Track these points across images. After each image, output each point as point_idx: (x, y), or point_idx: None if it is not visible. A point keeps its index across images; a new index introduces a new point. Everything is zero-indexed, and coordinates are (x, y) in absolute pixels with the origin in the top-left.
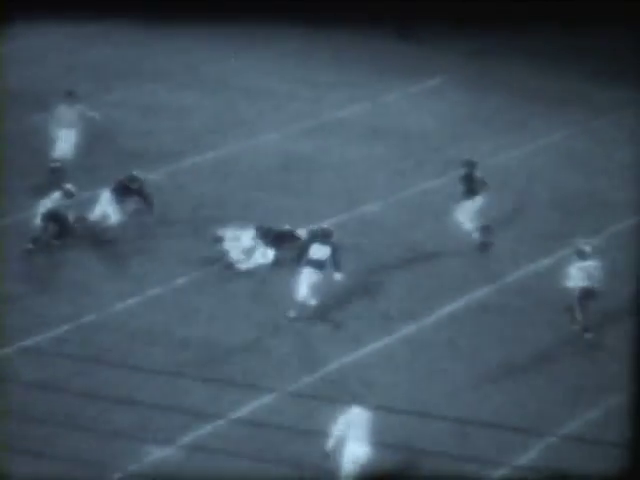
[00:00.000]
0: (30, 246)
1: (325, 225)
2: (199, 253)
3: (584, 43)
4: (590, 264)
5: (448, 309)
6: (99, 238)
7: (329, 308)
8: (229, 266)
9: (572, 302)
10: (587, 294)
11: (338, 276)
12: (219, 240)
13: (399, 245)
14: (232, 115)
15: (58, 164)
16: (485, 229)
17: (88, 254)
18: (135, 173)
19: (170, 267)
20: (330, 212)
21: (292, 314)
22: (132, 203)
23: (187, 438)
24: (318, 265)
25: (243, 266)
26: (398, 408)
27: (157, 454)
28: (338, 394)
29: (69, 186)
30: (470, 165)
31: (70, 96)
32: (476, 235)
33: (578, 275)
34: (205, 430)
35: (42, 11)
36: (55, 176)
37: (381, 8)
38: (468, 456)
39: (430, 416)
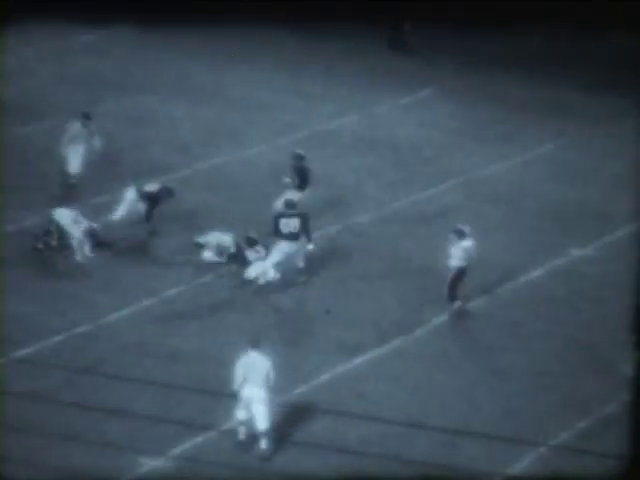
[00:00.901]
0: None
1: (289, 197)
2: (191, 264)
3: (574, 54)
4: (468, 243)
5: (439, 320)
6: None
7: (320, 319)
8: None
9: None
10: (463, 272)
11: (310, 246)
12: (200, 246)
13: (390, 256)
14: (223, 126)
15: (74, 180)
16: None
17: (80, 265)
18: (171, 186)
19: (162, 278)
20: (320, 223)
21: (261, 281)
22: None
23: (179, 449)
24: (292, 237)
25: (252, 275)
26: (390, 419)
27: (149, 465)
28: (330, 405)
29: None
30: (299, 158)
31: (85, 118)
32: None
33: (458, 255)
34: (197, 441)
35: (33, 22)
36: (71, 190)
37: (372, 20)
38: (460, 467)
39: (422, 427)
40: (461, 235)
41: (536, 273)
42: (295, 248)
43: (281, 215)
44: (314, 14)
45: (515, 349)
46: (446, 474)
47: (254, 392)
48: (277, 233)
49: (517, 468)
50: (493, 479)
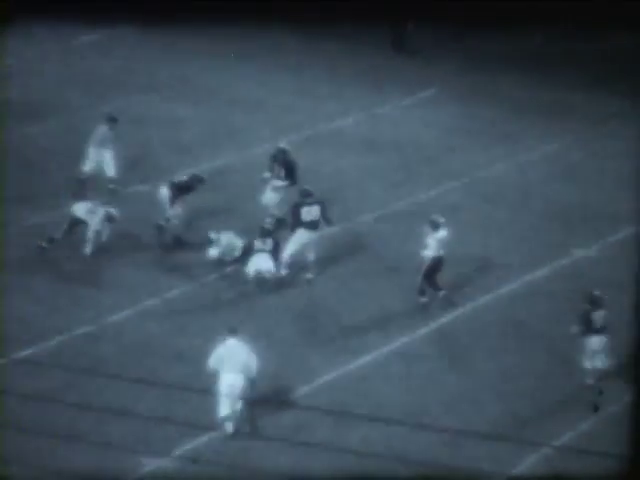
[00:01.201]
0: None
1: (306, 186)
2: (193, 264)
3: (578, 54)
4: (443, 234)
5: (442, 320)
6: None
7: (323, 320)
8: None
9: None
10: (439, 263)
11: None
12: (210, 242)
13: (392, 256)
14: (226, 126)
15: (84, 176)
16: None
17: (82, 265)
18: (199, 174)
19: (164, 278)
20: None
21: (260, 276)
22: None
23: (182, 449)
24: (313, 226)
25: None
26: (393, 419)
27: (152, 465)
28: (332, 405)
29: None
30: (283, 152)
31: (112, 121)
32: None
33: (434, 245)
34: (200, 441)
35: (34, 22)
36: (81, 187)
37: (375, 20)
38: (463, 467)
39: (424, 427)
40: (435, 226)
41: (538, 273)
42: (313, 237)
43: (301, 204)
44: (316, 14)
45: (517, 349)
46: (449, 474)
47: (231, 379)
48: (298, 222)
49: (520, 468)
50: (496, 479)
